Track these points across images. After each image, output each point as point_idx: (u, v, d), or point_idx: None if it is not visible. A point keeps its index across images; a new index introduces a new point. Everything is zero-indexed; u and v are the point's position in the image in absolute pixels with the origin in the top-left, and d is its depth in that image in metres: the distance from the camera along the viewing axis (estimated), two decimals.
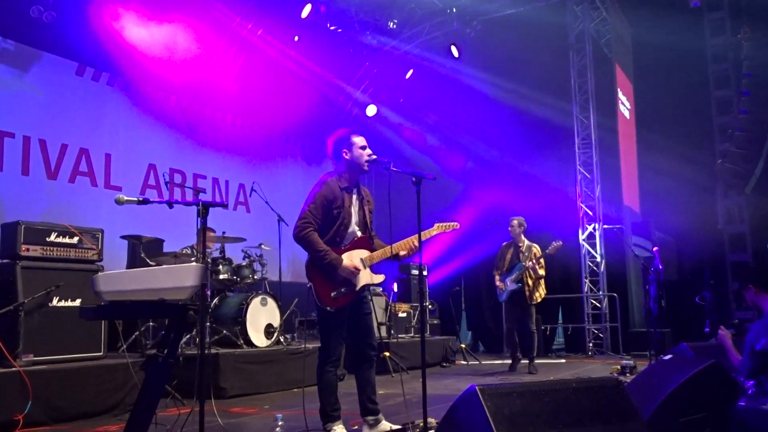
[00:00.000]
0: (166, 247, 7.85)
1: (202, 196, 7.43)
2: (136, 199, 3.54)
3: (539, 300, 8.23)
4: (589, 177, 11.74)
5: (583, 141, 11.86)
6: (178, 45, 9.05)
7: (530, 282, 8.19)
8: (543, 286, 8.32)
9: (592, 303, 11.47)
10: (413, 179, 4.00)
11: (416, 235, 4.22)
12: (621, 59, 13.25)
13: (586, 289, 11.51)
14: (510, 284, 8.28)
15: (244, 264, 7.78)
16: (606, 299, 11.37)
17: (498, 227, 8.73)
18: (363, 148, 4.23)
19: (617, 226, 10.88)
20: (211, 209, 3.75)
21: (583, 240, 11.66)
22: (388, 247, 4.24)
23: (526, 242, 8.39)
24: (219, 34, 9.79)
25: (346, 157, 4.23)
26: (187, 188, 9.54)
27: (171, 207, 3.68)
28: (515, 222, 8.47)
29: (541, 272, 8.23)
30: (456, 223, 4.47)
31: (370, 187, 13.10)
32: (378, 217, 4.94)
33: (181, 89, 9.78)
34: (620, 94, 12.97)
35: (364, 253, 4.24)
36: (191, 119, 10.19)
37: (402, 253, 4.23)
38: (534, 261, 8.17)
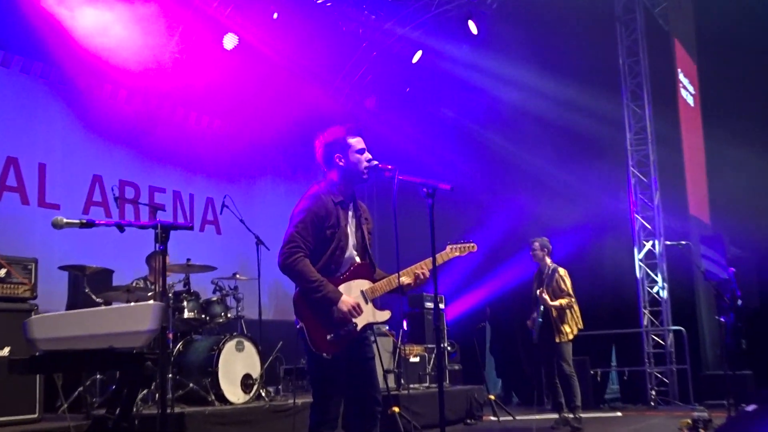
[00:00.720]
0: (117, 280, 7.85)
1: (160, 216, 7.42)
2: (78, 221, 3.54)
3: (570, 336, 8.21)
4: (646, 181, 11.74)
5: (636, 136, 11.87)
6: (128, 30, 9.08)
7: (554, 314, 8.19)
8: (573, 317, 8.28)
9: (653, 340, 11.42)
10: (425, 190, 4.00)
11: (426, 261, 4.22)
12: (681, 32, 13.28)
13: (645, 323, 11.46)
14: (538, 320, 8.29)
15: (214, 299, 7.77)
16: (671, 335, 11.31)
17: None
18: (361, 151, 4.24)
19: (683, 243, 10.82)
20: (172, 232, 3.76)
21: (640, 260, 11.63)
22: (394, 275, 4.23)
23: (551, 266, 8.42)
24: (179, 14, 9.83)
25: (341, 163, 4.24)
26: (141, 205, 9.54)
27: (122, 230, 3.68)
28: (536, 244, 8.53)
29: (558, 302, 8.19)
30: (473, 244, 4.47)
31: (370, 201, 13.04)
32: (377, 238, 4.94)
33: (133, 83, 9.80)
34: (681, 76, 12.99)
35: (364, 284, 4.23)
36: (146, 119, 10.22)
37: (407, 281, 4.22)
38: (542, 289, 8.20)
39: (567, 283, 8.29)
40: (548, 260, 8.50)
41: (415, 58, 12.31)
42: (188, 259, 7.56)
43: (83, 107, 9.51)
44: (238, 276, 8.15)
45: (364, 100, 12.60)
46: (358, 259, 4.27)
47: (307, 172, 12.26)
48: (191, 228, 3.96)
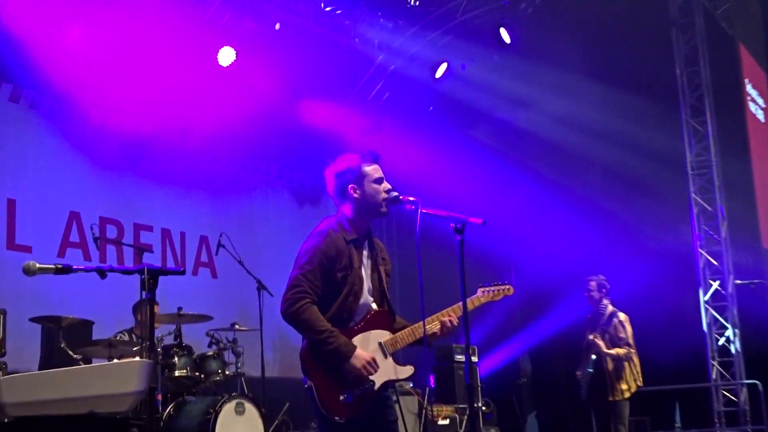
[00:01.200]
0: (97, 333, 7.85)
1: (147, 258, 7.47)
2: (53, 266, 3.56)
3: (628, 394, 8.11)
4: (710, 210, 11.67)
5: (697, 158, 11.83)
6: (109, 42, 9.17)
7: (610, 367, 8.11)
8: (632, 372, 8.19)
9: (724, 396, 11.29)
10: (453, 225, 4.00)
11: (455, 306, 4.23)
12: (747, 36, 13.29)
13: (714, 376, 11.33)
14: (587, 371, 8.21)
15: (209, 354, 7.76)
16: (745, 390, 11.17)
17: (578, 288, 8.69)
18: (378, 181, 4.25)
19: (756, 281, 10.76)
20: (161, 277, 3.77)
21: (706, 303, 11.53)
22: (418, 324, 4.23)
23: (609, 309, 8.38)
24: (168, 27, 9.89)
25: (355, 195, 4.25)
26: (125, 246, 9.57)
27: (103, 276, 3.70)
28: (593, 284, 8.47)
29: (614, 351, 8.12)
30: (508, 287, 4.49)
31: (389, 238, 12.91)
32: (397, 281, 4.94)
33: (113, 104, 9.84)
34: (749, 87, 12.98)
35: (384, 335, 4.22)
36: (130, 146, 10.24)
37: (432, 330, 4.22)
38: (595, 334, 8.14)
39: (627, 331, 8.21)
40: (606, 302, 8.44)
41: (439, 73, 12.33)
42: (179, 308, 7.58)
43: (58, 134, 9.54)
44: (237, 326, 8.14)
45: (380, 122, 12.54)
46: (374, 306, 4.27)
47: (315, 206, 12.29)
48: (183, 272, 3.98)
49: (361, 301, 4.21)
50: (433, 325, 4.23)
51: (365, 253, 4.31)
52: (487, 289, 4.43)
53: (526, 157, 12.64)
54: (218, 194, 11.24)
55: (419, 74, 12.50)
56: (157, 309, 7.42)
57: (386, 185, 4.26)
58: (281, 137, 11.58)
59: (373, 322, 4.22)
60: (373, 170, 4.27)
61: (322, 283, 4.12)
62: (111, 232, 9.78)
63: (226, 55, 10.20)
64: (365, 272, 4.27)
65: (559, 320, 10.76)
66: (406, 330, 4.26)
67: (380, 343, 4.19)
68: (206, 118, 10.75)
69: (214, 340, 7.91)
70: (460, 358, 10.26)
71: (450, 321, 4.26)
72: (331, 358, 4.05)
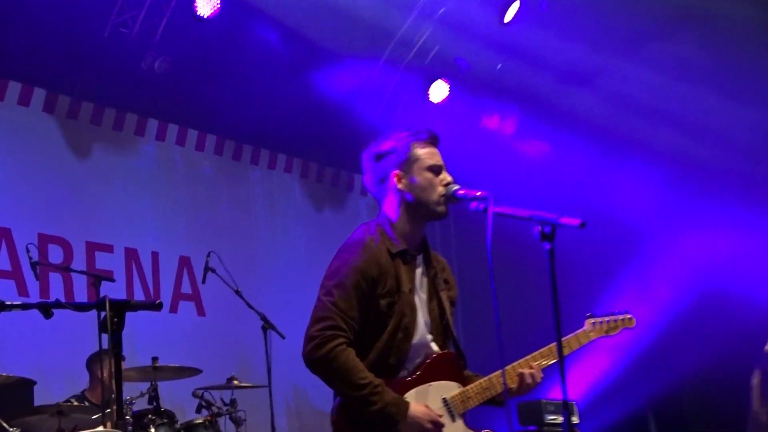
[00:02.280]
0: (40, 396, 7.89)
1: (106, 290, 7.46)
2: None
3: None
4: None
5: None
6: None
7: None
8: None
9: None
10: (539, 229, 3.95)
11: (542, 350, 4.27)
12: None
13: None
14: None
15: (199, 421, 7.77)
16: None
17: (724, 314, 8.57)
18: (435, 169, 4.24)
19: None
20: (128, 315, 3.76)
21: None
22: (495, 373, 4.23)
23: None
24: None
25: (401, 185, 4.25)
26: (74, 273, 9.58)
27: (48, 315, 3.70)
28: None
29: None
30: (629, 316, 4.52)
31: (445, 249, 12.88)
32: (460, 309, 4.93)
33: (56, 79, 9.91)
34: None
35: (450, 389, 4.22)
36: (77, 136, 10.29)
37: (509, 385, 4.21)
38: None
39: None
40: None
41: (509, 16, 12.28)
42: (154, 359, 7.59)
43: None
44: (236, 382, 8.15)
45: (428, 85, 12.47)
46: (435, 347, 4.25)
47: (340, 209, 12.29)
48: (159, 307, 3.96)
49: (415, 339, 4.20)
50: (509, 378, 4.22)
51: (419, 271, 4.30)
52: (599, 320, 4.41)
53: (640, 133, 12.41)
54: (203, 198, 11.24)
55: (481, 19, 12.42)
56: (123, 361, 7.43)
57: (446, 176, 4.24)
58: (288, 115, 11.56)
59: (433, 370, 4.20)
60: (427, 154, 4.25)
61: (360, 315, 4.09)
62: (55, 254, 9.81)
63: (207, 2, 10.16)
64: (419, 299, 4.26)
65: (696, 362, 10.62)
66: (480, 382, 4.26)
67: (445, 400, 4.18)
68: (183, 93, 10.76)
69: (204, 403, 7.93)
70: (554, 418, 10.18)
71: (531, 374, 4.22)
72: (375, 421, 4.02)
